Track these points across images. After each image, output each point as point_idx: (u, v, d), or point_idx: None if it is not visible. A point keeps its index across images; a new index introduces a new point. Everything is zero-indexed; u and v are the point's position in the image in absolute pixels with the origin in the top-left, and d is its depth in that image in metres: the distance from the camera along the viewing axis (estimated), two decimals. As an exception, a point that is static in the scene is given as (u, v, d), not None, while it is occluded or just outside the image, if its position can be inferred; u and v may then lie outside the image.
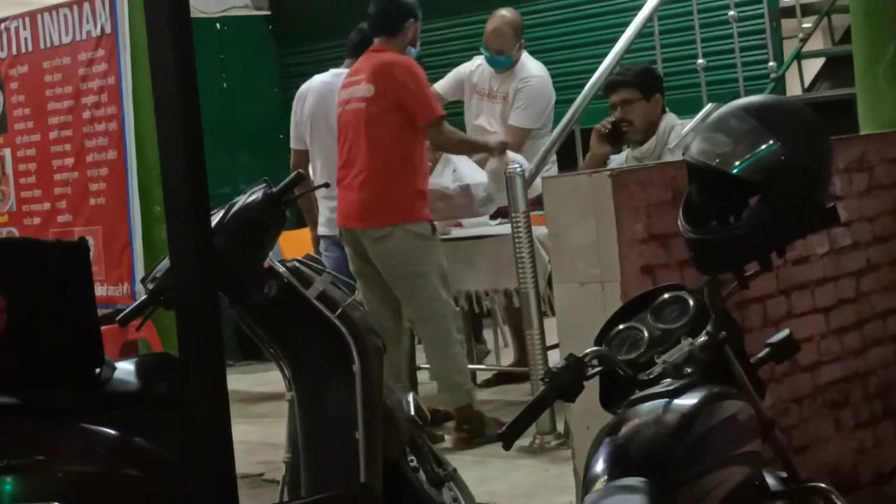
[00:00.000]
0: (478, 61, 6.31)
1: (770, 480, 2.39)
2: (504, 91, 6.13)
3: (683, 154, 2.35)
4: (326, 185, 4.12)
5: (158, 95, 2.00)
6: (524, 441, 5.05)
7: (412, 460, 3.63)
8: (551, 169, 5.82)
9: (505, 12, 6.18)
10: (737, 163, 2.24)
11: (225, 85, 8.66)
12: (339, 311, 3.38)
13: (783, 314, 4.02)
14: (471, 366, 6.61)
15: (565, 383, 2.26)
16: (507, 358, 6.69)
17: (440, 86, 6.35)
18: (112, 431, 3.14)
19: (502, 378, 6.51)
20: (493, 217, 6.02)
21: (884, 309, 4.39)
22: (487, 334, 6.97)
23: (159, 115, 1.99)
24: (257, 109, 8.55)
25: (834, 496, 2.44)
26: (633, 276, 3.55)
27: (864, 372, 4.30)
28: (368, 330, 3.50)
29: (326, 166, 5.56)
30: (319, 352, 3.43)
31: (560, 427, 5.12)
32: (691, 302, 2.36)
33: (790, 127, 2.31)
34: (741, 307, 3.87)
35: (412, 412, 3.66)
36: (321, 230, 5.71)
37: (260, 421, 6.02)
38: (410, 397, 3.72)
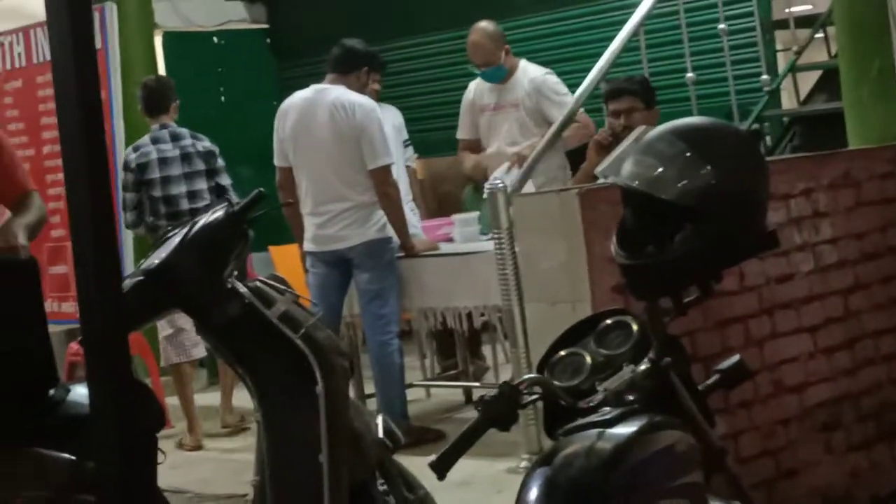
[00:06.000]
0: (472, 84, 6.21)
1: (724, 512, 2.31)
2: (512, 99, 5.99)
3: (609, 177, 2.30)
4: (290, 204, 4.05)
5: (62, 127, 1.93)
6: (511, 462, 4.96)
7: (382, 484, 3.56)
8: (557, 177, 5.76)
9: (481, 24, 6.07)
10: (667, 187, 2.18)
11: (223, 99, 8.59)
12: (302, 331, 3.33)
13: (766, 334, 3.92)
14: (468, 383, 6.55)
15: (498, 412, 2.19)
16: (508, 374, 6.59)
17: (461, 133, 6.25)
18: (65, 456, 3.08)
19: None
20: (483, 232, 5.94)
21: (875, 328, 4.28)
22: (486, 350, 6.88)
23: (63, 142, 1.93)
24: (256, 123, 8.35)
25: None
26: (604, 295, 3.47)
27: (856, 392, 4.19)
28: (334, 351, 3.43)
29: (311, 183, 5.48)
30: (283, 373, 3.37)
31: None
32: (635, 327, 2.28)
33: (721, 151, 2.25)
34: (722, 326, 3.77)
35: (381, 434, 3.59)
36: (307, 246, 5.61)
37: (251, 438, 5.93)
38: (380, 419, 3.65)
